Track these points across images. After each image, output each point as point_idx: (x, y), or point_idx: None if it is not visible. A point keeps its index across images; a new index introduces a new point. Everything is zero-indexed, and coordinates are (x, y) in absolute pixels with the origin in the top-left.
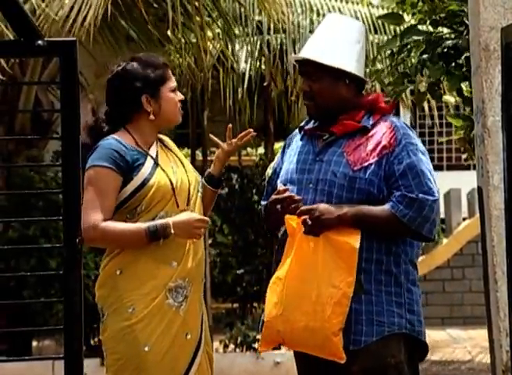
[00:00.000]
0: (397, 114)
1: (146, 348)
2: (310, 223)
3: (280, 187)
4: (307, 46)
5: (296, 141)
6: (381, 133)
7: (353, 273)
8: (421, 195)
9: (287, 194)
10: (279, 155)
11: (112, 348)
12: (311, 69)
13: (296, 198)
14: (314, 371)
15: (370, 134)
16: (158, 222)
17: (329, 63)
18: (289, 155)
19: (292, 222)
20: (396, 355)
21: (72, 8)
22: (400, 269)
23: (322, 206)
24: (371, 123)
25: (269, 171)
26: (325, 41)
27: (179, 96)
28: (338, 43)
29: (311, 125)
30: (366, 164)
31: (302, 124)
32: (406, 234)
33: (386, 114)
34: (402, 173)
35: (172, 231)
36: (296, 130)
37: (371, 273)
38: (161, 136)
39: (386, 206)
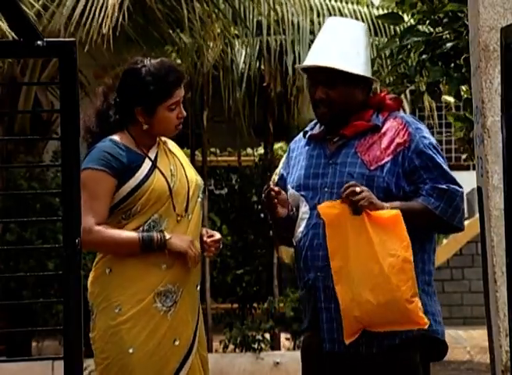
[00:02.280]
0: None
1: (131, 350)
2: (363, 198)
3: (290, 196)
4: (324, 53)
5: (303, 146)
6: (393, 130)
7: (405, 237)
8: (451, 186)
9: (270, 185)
10: (284, 161)
11: (99, 347)
12: (331, 76)
13: (276, 189)
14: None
15: (382, 132)
16: (154, 234)
17: (358, 72)
18: (298, 160)
19: (331, 210)
20: (413, 356)
21: (83, 12)
22: (417, 270)
23: (367, 191)
24: (380, 120)
25: (275, 177)
26: (342, 47)
27: (180, 113)
28: (355, 49)
29: (317, 129)
30: (382, 163)
31: (307, 129)
32: (437, 227)
33: (394, 111)
34: (424, 166)
35: (167, 248)
36: (300, 135)
37: None
38: (165, 139)
39: (418, 199)
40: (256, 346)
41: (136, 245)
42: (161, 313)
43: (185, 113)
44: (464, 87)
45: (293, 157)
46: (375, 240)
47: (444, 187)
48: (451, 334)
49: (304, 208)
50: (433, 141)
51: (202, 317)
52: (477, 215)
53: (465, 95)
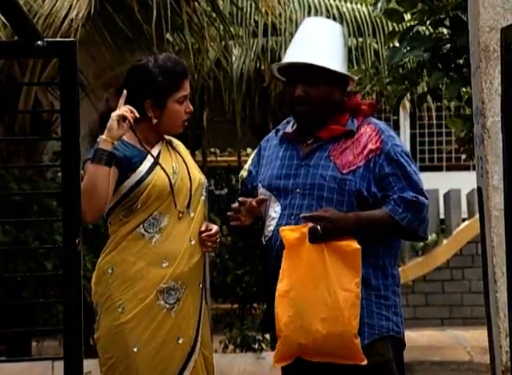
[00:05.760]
0: (397, 115)
1: (135, 349)
2: (321, 231)
3: (261, 195)
4: (302, 51)
5: (276, 145)
6: (366, 136)
7: (359, 274)
8: (419, 198)
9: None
10: (253, 157)
11: (103, 347)
12: (310, 73)
13: (239, 202)
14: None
15: (356, 138)
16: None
17: (337, 69)
18: (270, 159)
19: (292, 233)
20: (385, 354)
21: (63, 4)
22: (387, 271)
23: (330, 214)
24: (355, 126)
25: (243, 173)
26: (320, 45)
27: (188, 107)
28: (332, 47)
29: (290, 128)
30: (354, 167)
31: (279, 127)
32: (401, 235)
33: (368, 116)
34: (394, 174)
35: (104, 137)
36: (272, 133)
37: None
38: (169, 137)
39: (384, 209)
40: (256, 346)
41: (92, 162)
42: (164, 311)
43: (192, 108)
44: (464, 89)
45: (265, 155)
46: (331, 272)
47: (412, 198)
48: (451, 335)
49: (276, 208)
50: (405, 149)
51: (206, 316)
52: (477, 215)
53: (466, 96)
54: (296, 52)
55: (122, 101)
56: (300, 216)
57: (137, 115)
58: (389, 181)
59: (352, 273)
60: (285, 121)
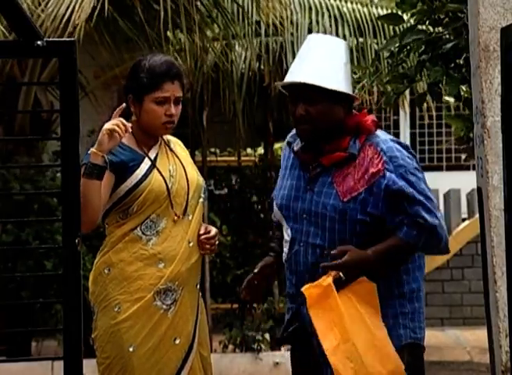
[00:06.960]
0: (397, 115)
1: (131, 349)
2: (344, 278)
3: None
4: (302, 69)
5: (289, 158)
6: (367, 159)
7: (378, 309)
8: (428, 220)
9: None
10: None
11: (100, 346)
12: (310, 92)
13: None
14: None
15: (357, 162)
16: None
17: (334, 88)
18: (285, 173)
19: (314, 290)
20: (409, 365)
21: (68, 7)
22: (403, 279)
23: (349, 258)
24: (357, 147)
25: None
26: (320, 63)
27: (168, 110)
28: (333, 65)
29: (298, 144)
30: (355, 194)
31: (290, 140)
32: (423, 253)
33: (371, 133)
34: (397, 197)
35: (94, 150)
36: (285, 143)
37: (378, 289)
38: (169, 137)
39: (399, 235)
40: (256, 346)
41: (83, 176)
42: (161, 311)
43: (173, 111)
44: (463, 87)
45: (283, 167)
46: (363, 314)
47: (421, 221)
48: (451, 335)
49: (288, 231)
50: (409, 166)
51: (204, 317)
52: (477, 215)
53: (465, 95)
54: (297, 71)
55: (117, 112)
56: (320, 265)
57: (130, 129)
58: (395, 204)
59: (375, 311)
60: (293, 132)
